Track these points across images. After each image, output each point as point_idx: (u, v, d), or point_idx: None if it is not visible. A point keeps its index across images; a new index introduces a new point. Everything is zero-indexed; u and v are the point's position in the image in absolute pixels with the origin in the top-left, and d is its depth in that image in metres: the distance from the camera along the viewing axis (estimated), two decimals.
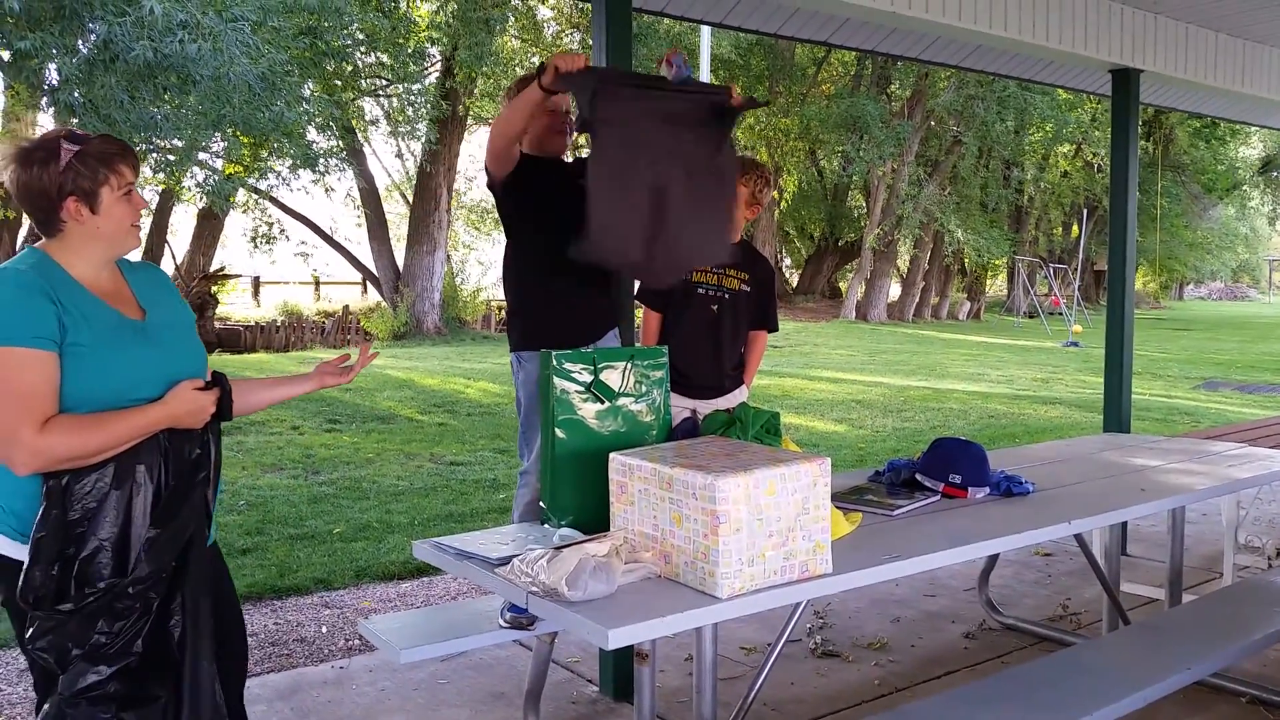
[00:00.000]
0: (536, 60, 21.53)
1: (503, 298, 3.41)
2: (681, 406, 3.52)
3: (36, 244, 2.10)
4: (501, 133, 2.99)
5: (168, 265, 19.40)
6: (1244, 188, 38.98)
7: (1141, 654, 3.08)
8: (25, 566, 1.94)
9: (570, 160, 3.33)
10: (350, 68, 16.99)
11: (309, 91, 14.54)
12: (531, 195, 3.10)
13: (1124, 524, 5.08)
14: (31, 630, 1.95)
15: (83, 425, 1.96)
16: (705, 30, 15.09)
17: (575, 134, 3.19)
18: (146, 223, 18.83)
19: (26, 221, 14.36)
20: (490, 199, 3.44)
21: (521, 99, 2.92)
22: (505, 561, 2.28)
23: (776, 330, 3.89)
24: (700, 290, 3.62)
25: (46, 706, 1.99)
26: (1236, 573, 4.75)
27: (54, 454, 1.93)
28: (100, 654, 1.96)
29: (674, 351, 3.46)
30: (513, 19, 20.00)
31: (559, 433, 2.59)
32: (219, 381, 2.18)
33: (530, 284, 3.18)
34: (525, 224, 3.17)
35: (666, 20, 17.95)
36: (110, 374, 2.02)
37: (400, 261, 20.51)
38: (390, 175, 27.04)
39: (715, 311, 3.62)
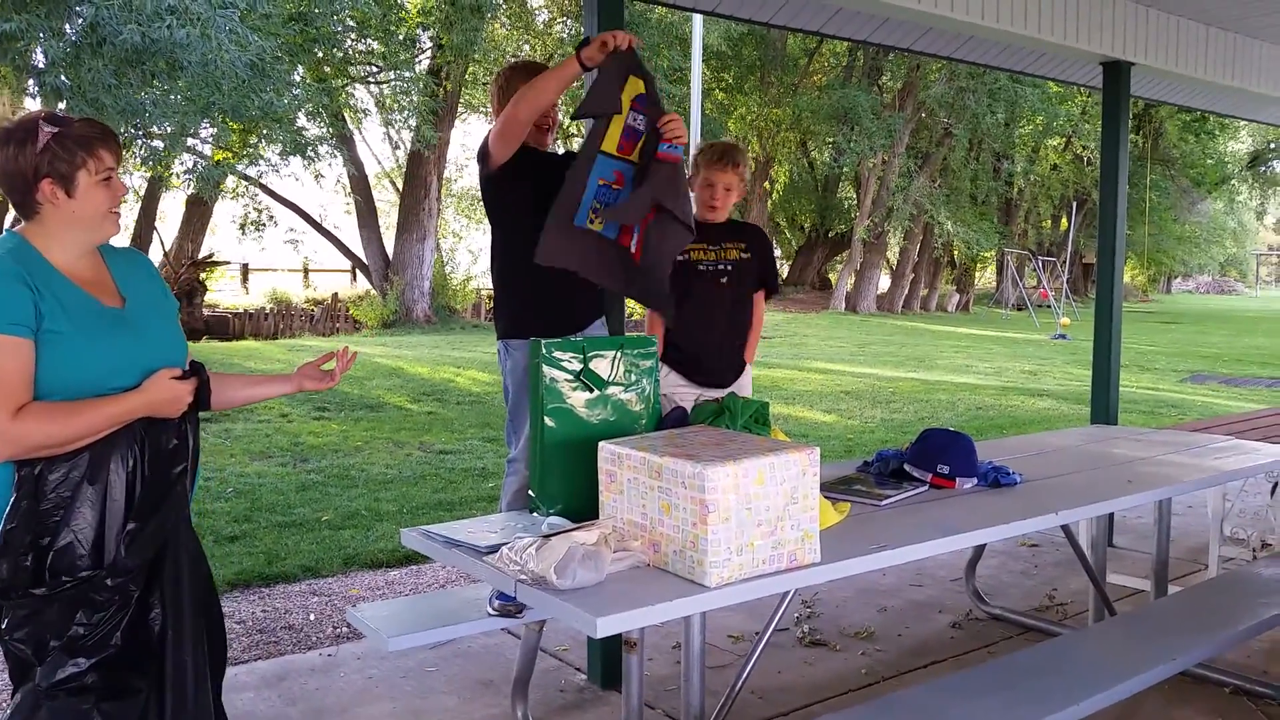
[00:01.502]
0: (527, 49, 21.46)
1: (492, 286, 3.38)
2: (687, 392, 3.53)
3: (15, 228, 2.08)
4: (531, 107, 2.91)
5: (156, 252, 19.29)
6: (1232, 182, 39.19)
7: (1127, 644, 3.10)
8: None
9: (561, 154, 3.32)
10: (340, 54, 16.91)
11: (299, 78, 14.46)
12: (527, 183, 3.09)
13: (1110, 515, 5.11)
14: (7, 621, 1.93)
15: (57, 413, 1.93)
16: (697, 19, 15.08)
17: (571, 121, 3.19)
18: (134, 209, 18.73)
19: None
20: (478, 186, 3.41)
21: (558, 74, 2.89)
22: (494, 550, 2.28)
23: (778, 292, 3.87)
24: (702, 268, 3.55)
25: (18, 697, 1.97)
26: (1221, 565, 4.78)
27: (27, 441, 1.91)
28: (78, 645, 1.94)
29: (684, 336, 3.50)
30: (504, 6, 19.92)
31: (548, 421, 2.58)
32: (196, 371, 2.15)
33: (518, 272, 3.17)
34: (520, 212, 3.15)
35: (659, 9, 17.90)
36: (87, 362, 1.99)
37: (390, 249, 20.46)
38: (380, 163, 27.01)
39: (724, 285, 3.57)
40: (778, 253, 34.35)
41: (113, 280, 2.13)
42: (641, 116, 2.92)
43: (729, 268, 3.59)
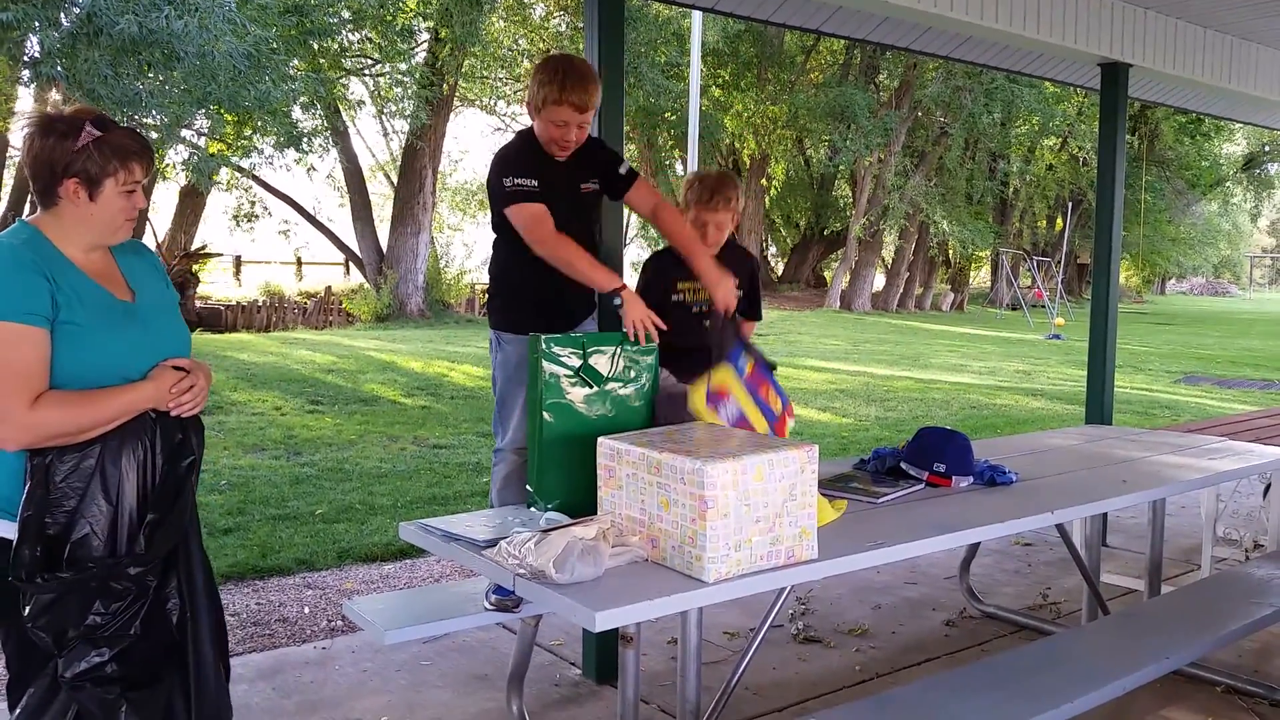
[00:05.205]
0: (524, 43, 21.41)
1: (488, 279, 3.36)
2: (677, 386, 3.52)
3: (29, 218, 2.09)
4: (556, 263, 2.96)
5: (149, 243, 19.19)
6: (1227, 184, 39.27)
7: (1120, 643, 3.12)
8: (14, 545, 1.93)
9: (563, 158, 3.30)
10: (336, 45, 16.85)
11: (294, 69, 14.41)
12: (539, 183, 3.09)
13: (1104, 515, 5.12)
14: (29, 608, 1.95)
15: (73, 401, 1.96)
16: (697, 16, 15.06)
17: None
18: None
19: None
20: (478, 181, 3.38)
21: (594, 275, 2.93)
22: (492, 544, 2.28)
23: (760, 319, 3.79)
24: (688, 308, 3.39)
25: (32, 690, 1.98)
26: (1214, 565, 4.80)
27: (44, 430, 1.93)
28: (99, 635, 1.97)
29: (669, 365, 3.44)
30: None
31: (547, 416, 2.59)
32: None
33: (515, 266, 3.16)
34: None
35: (657, 5, 17.90)
36: (102, 354, 2.02)
37: (384, 243, 20.39)
38: (375, 156, 26.89)
39: (707, 327, 3.29)
40: (773, 250, 34.37)
41: (122, 274, 2.15)
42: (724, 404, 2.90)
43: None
